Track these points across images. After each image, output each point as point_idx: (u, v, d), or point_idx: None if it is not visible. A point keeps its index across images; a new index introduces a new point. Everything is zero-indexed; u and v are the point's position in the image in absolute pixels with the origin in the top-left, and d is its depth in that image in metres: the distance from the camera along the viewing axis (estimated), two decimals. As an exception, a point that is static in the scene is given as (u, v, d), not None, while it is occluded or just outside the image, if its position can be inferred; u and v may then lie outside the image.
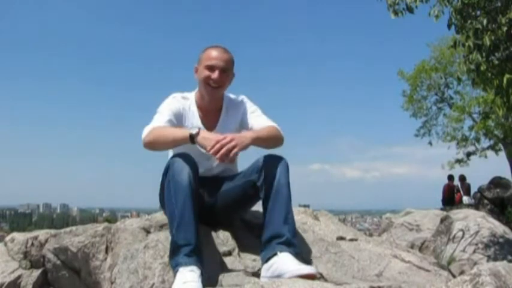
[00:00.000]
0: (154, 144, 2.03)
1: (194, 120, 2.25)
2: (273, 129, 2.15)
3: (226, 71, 2.20)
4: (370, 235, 6.03)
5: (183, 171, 1.90)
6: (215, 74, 2.16)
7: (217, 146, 1.86)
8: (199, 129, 1.95)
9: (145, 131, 2.07)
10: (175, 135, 1.99)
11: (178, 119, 2.19)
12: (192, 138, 1.93)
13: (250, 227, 2.41)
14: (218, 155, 1.87)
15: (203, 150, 1.96)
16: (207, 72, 2.18)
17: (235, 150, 1.88)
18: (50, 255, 2.34)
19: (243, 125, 2.30)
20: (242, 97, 2.37)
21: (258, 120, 2.25)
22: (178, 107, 2.22)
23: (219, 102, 2.30)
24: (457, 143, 12.74)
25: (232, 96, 2.37)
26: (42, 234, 2.51)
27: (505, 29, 3.38)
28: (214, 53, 2.20)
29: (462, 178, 11.44)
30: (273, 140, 2.10)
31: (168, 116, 2.14)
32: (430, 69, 13.43)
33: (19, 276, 2.37)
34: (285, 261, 1.81)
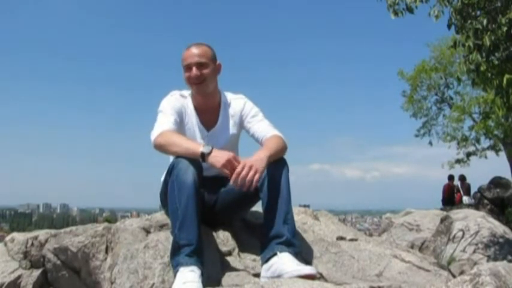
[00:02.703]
0: (165, 149, 2.04)
1: (193, 119, 2.26)
2: (279, 140, 2.13)
3: (203, 64, 2.20)
4: (370, 235, 6.04)
5: (188, 171, 1.90)
6: (192, 71, 2.18)
7: (240, 180, 1.84)
8: (212, 148, 1.93)
9: (155, 132, 2.07)
10: (187, 148, 1.96)
11: (180, 117, 2.21)
12: (203, 156, 1.91)
13: (250, 227, 2.41)
14: (244, 188, 1.86)
15: (207, 168, 1.96)
16: (186, 74, 2.21)
17: (256, 178, 1.86)
18: (50, 255, 2.34)
19: (242, 126, 2.30)
20: (241, 95, 2.37)
21: (261, 127, 2.23)
22: (179, 106, 2.23)
23: (215, 99, 2.30)
24: (457, 143, 12.73)
25: (230, 94, 2.37)
26: (42, 234, 2.51)
27: (505, 29, 3.38)
28: (187, 53, 2.23)
29: (462, 178, 11.44)
30: (280, 152, 2.09)
31: (173, 116, 2.16)
32: (430, 70, 13.41)
33: (19, 276, 2.37)
34: (284, 262, 1.81)
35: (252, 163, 1.87)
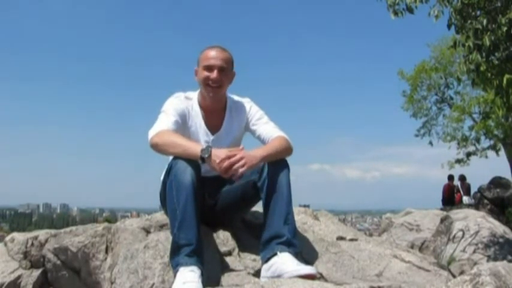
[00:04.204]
0: (161, 149, 2.02)
1: (198, 120, 2.24)
2: (282, 141, 2.12)
3: (225, 69, 2.19)
4: (370, 235, 6.03)
5: (186, 171, 1.89)
6: (214, 74, 2.15)
7: (227, 164, 1.85)
8: (211, 149, 1.91)
9: (153, 132, 2.05)
10: (186, 150, 1.94)
11: (182, 119, 2.18)
12: (203, 160, 1.90)
13: (250, 227, 2.41)
14: (226, 175, 1.87)
15: (207, 168, 1.95)
16: (205, 73, 2.17)
17: (242, 169, 1.86)
18: (50, 255, 2.34)
19: (248, 129, 2.30)
20: (247, 99, 2.36)
21: (266, 129, 2.22)
22: (182, 107, 2.21)
23: (222, 103, 2.29)
24: (457, 143, 12.71)
25: (236, 97, 2.35)
26: (42, 234, 2.51)
27: (505, 29, 3.38)
28: (211, 53, 2.20)
29: (462, 178, 11.44)
30: (283, 153, 2.08)
31: (174, 117, 2.13)
32: (430, 70, 13.40)
33: (19, 276, 2.37)
34: (284, 261, 1.81)
35: (245, 156, 1.89)
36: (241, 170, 1.86)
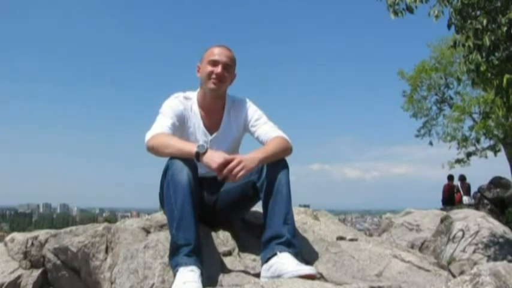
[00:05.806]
0: (158, 151, 2.02)
1: (196, 121, 2.24)
2: (281, 141, 2.12)
3: (229, 67, 2.21)
4: (370, 235, 6.03)
5: (182, 171, 1.90)
6: (218, 69, 2.18)
7: (225, 171, 1.86)
8: (207, 148, 1.93)
9: (149, 135, 2.06)
10: (182, 148, 1.96)
11: (180, 121, 2.19)
12: (198, 156, 1.91)
13: (250, 227, 2.41)
14: (226, 180, 1.89)
15: (207, 169, 1.96)
16: (209, 67, 2.19)
17: (240, 173, 1.87)
18: (50, 255, 2.34)
19: (247, 129, 2.30)
20: (245, 99, 2.36)
21: (265, 129, 2.22)
22: (181, 108, 2.22)
23: (221, 102, 2.30)
24: (457, 143, 12.72)
25: (234, 97, 2.35)
26: (42, 234, 2.50)
27: (505, 29, 3.38)
28: (217, 49, 2.23)
29: (462, 178, 11.44)
30: (281, 153, 2.07)
31: (171, 119, 2.14)
32: (430, 70, 13.40)
33: (19, 276, 2.37)
34: (284, 262, 1.81)
35: (243, 160, 1.89)
36: (239, 174, 1.87)
